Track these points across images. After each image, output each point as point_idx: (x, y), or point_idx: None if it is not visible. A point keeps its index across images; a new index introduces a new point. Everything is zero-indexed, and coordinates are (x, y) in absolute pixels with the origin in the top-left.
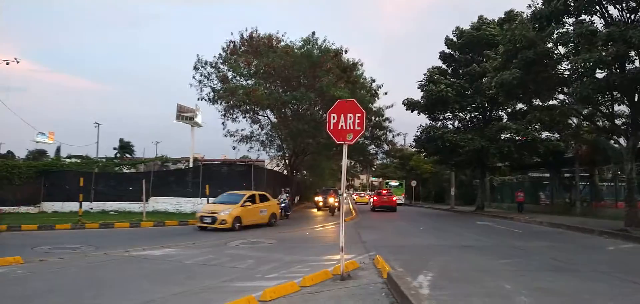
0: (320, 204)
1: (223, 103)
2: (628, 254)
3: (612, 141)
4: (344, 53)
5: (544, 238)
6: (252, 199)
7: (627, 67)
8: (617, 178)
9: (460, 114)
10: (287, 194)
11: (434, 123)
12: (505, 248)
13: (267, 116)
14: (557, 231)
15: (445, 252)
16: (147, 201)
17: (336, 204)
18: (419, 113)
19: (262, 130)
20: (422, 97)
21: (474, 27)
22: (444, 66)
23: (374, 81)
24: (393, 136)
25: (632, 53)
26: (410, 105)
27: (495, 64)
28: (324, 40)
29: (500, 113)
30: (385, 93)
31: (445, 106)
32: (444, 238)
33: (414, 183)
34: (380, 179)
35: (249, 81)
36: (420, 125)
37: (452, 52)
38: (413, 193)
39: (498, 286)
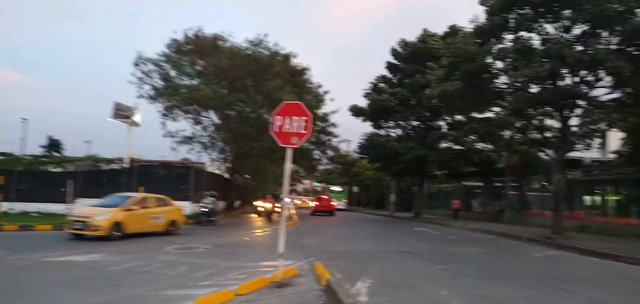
0: (260, 209)
1: (164, 102)
2: (555, 261)
3: (542, 153)
4: (293, 58)
5: (478, 245)
6: (142, 203)
7: (559, 84)
8: (543, 188)
9: (403, 123)
10: (213, 198)
11: (377, 131)
12: (442, 254)
13: (210, 117)
14: (490, 237)
15: (384, 258)
16: (74, 202)
17: (276, 209)
18: (364, 120)
19: (204, 131)
20: (367, 105)
21: (419, 40)
22: (390, 76)
23: (320, 86)
24: (338, 142)
25: (565, 70)
26: (356, 112)
27: (439, 75)
28: (275, 44)
29: (440, 123)
30: (332, 99)
31: (389, 114)
32: (383, 243)
33: (356, 189)
34: (323, 185)
35: (193, 81)
36: (365, 132)
37: (398, 63)
38: (355, 199)
39: (435, 293)
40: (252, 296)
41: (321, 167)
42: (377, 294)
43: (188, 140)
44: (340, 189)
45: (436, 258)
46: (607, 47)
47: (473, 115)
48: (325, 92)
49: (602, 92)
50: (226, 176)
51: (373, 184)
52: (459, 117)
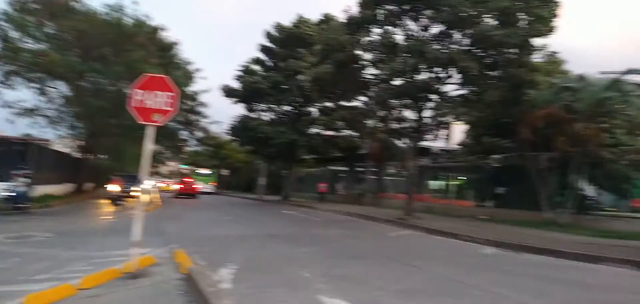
0: (113, 193)
1: (1, 66)
2: (407, 239)
3: (399, 141)
4: (162, 31)
5: (340, 226)
6: None
7: (417, 78)
8: (398, 173)
9: (276, 107)
10: (26, 180)
11: (250, 114)
12: (307, 236)
13: (59, 88)
14: (351, 219)
15: (251, 242)
16: None
17: (132, 192)
18: (236, 102)
19: (51, 104)
20: (240, 87)
21: (294, 25)
22: (264, 58)
23: (190, 63)
24: (208, 123)
25: (423, 66)
26: (228, 92)
27: (312, 61)
28: (145, 15)
29: (311, 109)
30: (203, 78)
31: (261, 97)
32: (250, 227)
33: (226, 172)
34: (191, 167)
35: (40, 44)
36: (237, 114)
37: (273, 46)
38: (225, 182)
39: (298, 275)
40: (98, 290)
41: (189, 149)
42: (242, 280)
43: (30, 112)
44: (209, 172)
45: (301, 240)
46: (458, 47)
47: (342, 103)
48: (196, 70)
49: (451, 88)
50: (77, 155)
51: (243, 167)
52: (328, 104)
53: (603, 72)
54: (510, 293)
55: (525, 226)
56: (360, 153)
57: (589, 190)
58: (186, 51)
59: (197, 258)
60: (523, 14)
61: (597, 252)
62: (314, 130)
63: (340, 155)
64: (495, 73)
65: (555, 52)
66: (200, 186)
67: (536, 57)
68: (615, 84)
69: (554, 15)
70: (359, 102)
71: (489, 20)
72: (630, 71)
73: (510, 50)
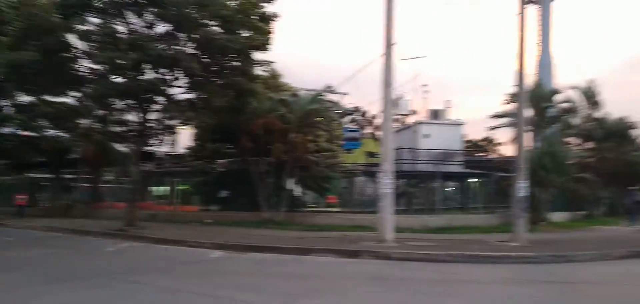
0: None
1: None
2: (129, 253)
3: (120, 145)
4: None
5: (43, 245)
6: None
7: (141, 78)
8: (117, 180)
9: None
10: None
11: None
12: None
13: None
14: (59, 235)
15: None
16: None
17: None
18: None
19: None
20: None
21: None
22: None
23: None
24: None
25: (147, 66)
26: None
27: (6, 42)
28: None
29: (1, 103)
30: None
31: None
32: None
33: None
34: None
35: None
36: None
37: None
38: None
39: None
40: None
41: None
42: None
43: None
44: None
45: None
46: (184, 50)
47: (46, 98)
48: None
49: (179, 92)
50: None
51: None
52: (27, 97)
53: (308, 89)
54: (235, 294)
55: (248, 226)
56: (70, 158)
57: (298, 190)
58: None
59: None
60: (243, 25)
61: (307, 245)
62: (6, 129)
63: (44, 160)
64: (221, 81)
65: (272, 62)
66: None
67: (258, 69)
68: (317, 99)
69: (269, 31)
70: (70, 98)
71: (214, 28)
72: (327, 88)
73: (234, 57)
